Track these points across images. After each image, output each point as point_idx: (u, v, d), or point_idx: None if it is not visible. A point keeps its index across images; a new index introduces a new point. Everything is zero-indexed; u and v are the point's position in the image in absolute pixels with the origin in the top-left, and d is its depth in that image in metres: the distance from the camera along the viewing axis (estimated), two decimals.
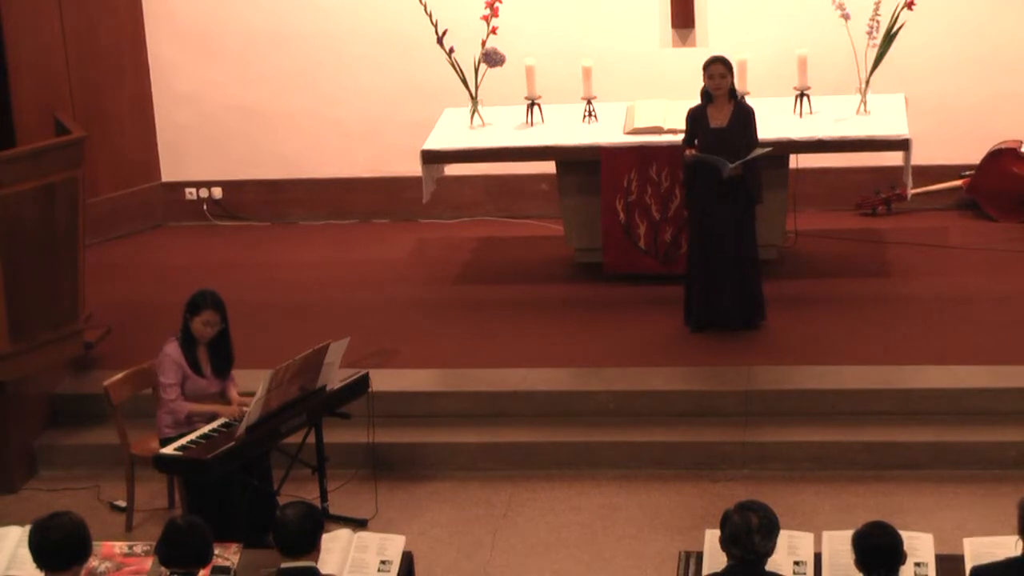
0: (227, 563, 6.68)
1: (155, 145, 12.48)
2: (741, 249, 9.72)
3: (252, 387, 8.25)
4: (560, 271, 11.11)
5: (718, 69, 9.59)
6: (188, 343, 8.32)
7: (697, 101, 9.79)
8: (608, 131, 10.74)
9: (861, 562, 5.89)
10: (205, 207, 12.55)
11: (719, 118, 9.65)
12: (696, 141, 9.71)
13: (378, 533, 7.08)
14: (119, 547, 6.85)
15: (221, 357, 8.41)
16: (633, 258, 10.70)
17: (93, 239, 11.30)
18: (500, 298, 10.73)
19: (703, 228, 9.73)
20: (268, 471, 8.44)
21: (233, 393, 8.50)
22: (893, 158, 10.76)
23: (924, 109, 11.40)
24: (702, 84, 9.68)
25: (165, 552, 6.04)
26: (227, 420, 8.24)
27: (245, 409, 8.15)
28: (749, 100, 9.92)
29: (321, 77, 12.24)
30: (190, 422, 8.27)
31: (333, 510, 8.66)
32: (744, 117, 9.66)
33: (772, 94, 10.93)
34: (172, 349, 8.31)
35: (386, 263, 11.53)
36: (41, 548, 5.86)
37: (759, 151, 9.60)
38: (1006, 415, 9.05)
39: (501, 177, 12.15)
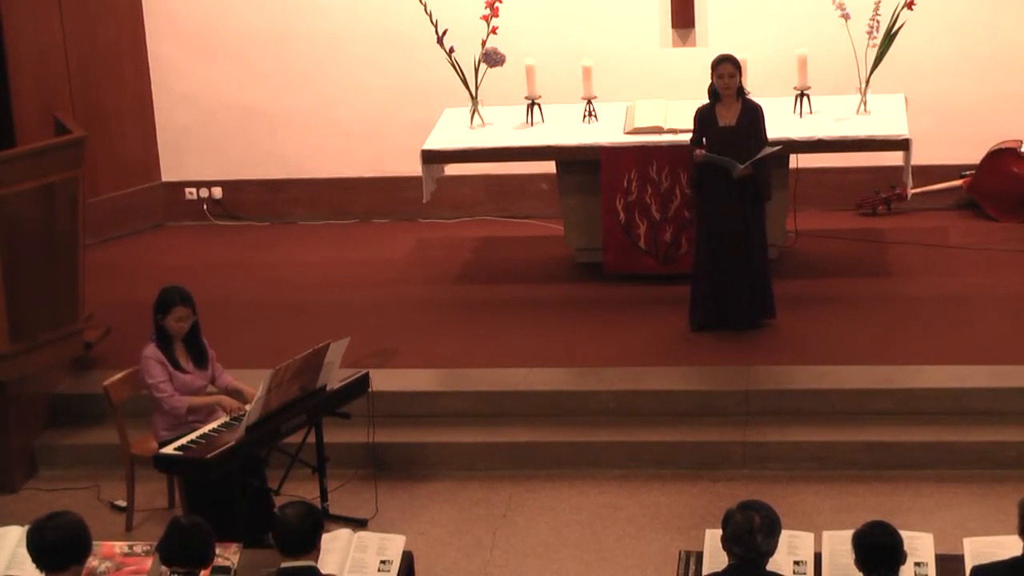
0: (227, 563, 6.68)
1: (155, 145, 12.48)
2: (749, 247, 9.72)
3: (252, 387, 8.26)
4: (560, 271, 11.10)
5: (727, 68, 9.59)
6: (164, 342, 8.34)
7: (697, 101, 9.80)
8: (608, 131, 10.75)
9: (861, 562, 5.89)
10: (205, 207, 12.55)
11: (728, 116, 9.66)
12: (704, 140, 9.71)
13: (378, 533, 7.08)
14: (119, 547, 6.85)
15: (197, 349, 8.44)
16: (633, 258, 10.70)
17: (93, 239, 11.30)
18: (500, 298, 10.73)
19: (711, 227, 9.73)
20: (263, 470, 8.42)
21: (228, 379, 8.52)
22: (893, 158, 10.76)
23: (924, 109, 11.40)
24: (709, 83, 9.68)
25: (167, 551, 6.04)
26: (229, 416, 8.23)
27: (247, 406, 8.16)
28: (753, 99, 9.93)
29: (321, 77, 12.24)
30: (188, 420, 8.27)
31: (333, 510, 8.66)
32: (752, 115, 9.67)
33: (772, 94, 10.92)
34: (151, 351, 8.33)
35: (386, 263, 11.53)
36: (39, 549, 5.86)
37: (769, 150, 9.61)
38: (1006, 415, 9.05)
39: (501, 177, 12.15)
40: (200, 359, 8.44)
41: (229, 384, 8.55)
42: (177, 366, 8.35)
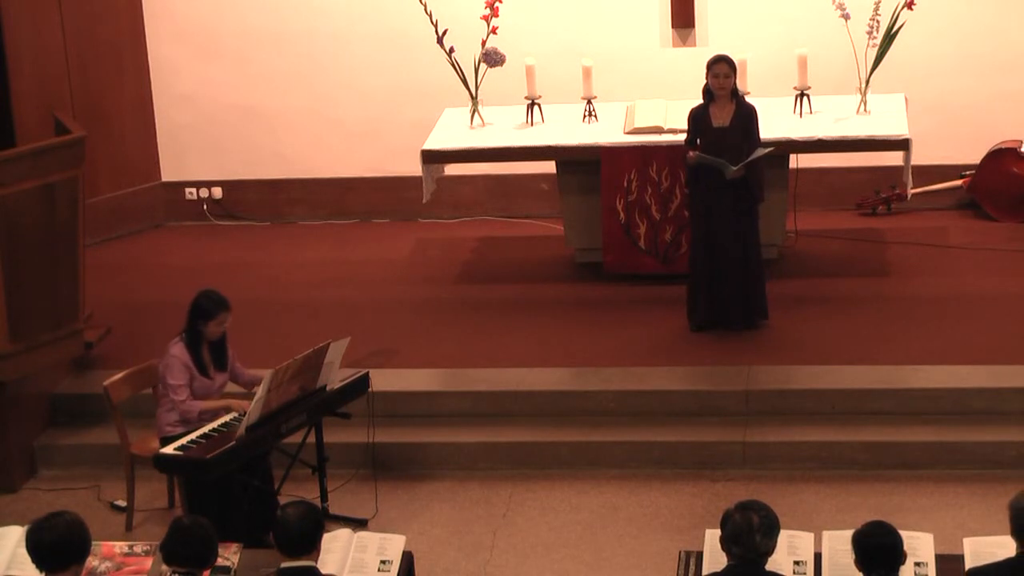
0: (227, 563, 6.68)
1: (155, 145, 12.48)
2: (744, 248, 9.73)
3: None
4: (560, 271, 11.10)
5: (722, 68, 9.59)
6: (195, 345, 8.34)
7: (697, 101, 9.80)
8: (608, 131, 10.74)
9: (861, 562, 5.89)
10: (205, 207, 12.55)
11: (721, 117, 9.66)
12: (698, 141, 9.71)
13: (378, 533, 7.08)
14: (119, 547, 6.86)
15: (221, 352, 8.46)
16: (633, 258, 10.70)
17: (93, 239, 11.30)
18: (500, 298, 10.73)
19: (706, 228, 9.73)
20: (268, 471, 8.45)
21: (250, 374, 8.54)
22: (893, 158, 10.76)
23: (924, 109, 11.40)
24: (704, 83, 9.68)
25: (169, 551, 6.04)
26: (238, 414, 8.24)
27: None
28: (749, 100, 9.93)
29: (321, 77, 12.24)
30: (200, 419, 8.29)
31: (333, 510, 8.66)
32: (746, 116, 9.67)
33: (772, 94, 10.93)
34: (179, 351, 8.31)
35: (386, 263, 11.53)
36: (36, 549, 5.85)
37: (762, 151, 9.61)
38: (1006, 415, 9.05)
39: (501, 177, 12.15)
40: (221, 361, 8.45)
41: (253, 378, 8.53)
42: (202, 368, 8.35)
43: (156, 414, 8.49)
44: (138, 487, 8.81)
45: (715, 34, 11.49)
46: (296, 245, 12.02)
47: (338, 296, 10.93)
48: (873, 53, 10.81)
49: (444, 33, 10.94)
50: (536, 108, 10.98)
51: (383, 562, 6.82)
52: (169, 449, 8.04)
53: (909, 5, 10.79)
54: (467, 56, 10.97)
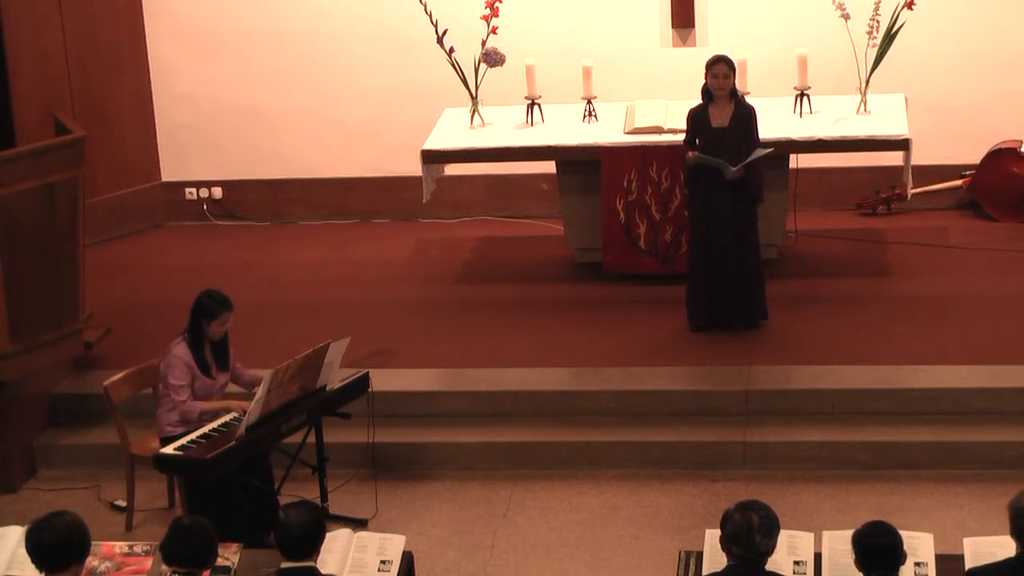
0: (227, 563, 6.68)
1: (155, 145, 12.48)
2: (743, 248, 9.73)
3: None
4: (560, 271, 11.10)
5: (722, 69, 9.59)
6: (197, 344, 8.33)
7: (697, 101, 9.80)
8: (608, 131, 10.74)
9: (861, 562, 5.90)
10: (205, 207, 12.55)
11: (720, 117, 9.66)
12: (697, 141, 9.71)
13: (378, 533, 7.08)
14: (119, 547, 6.86)
15: (223, 352, 8.46)
16: (633, 258, 10.70)
17: (93, 239, 11.30)
18: (500, 298, 10.73)
19: (705, 228, 9.73)
20: (268, 471, 8.45)
21: (250, 374, 8.54)
22: (893, 158, 10.76)
23: (924, 109, 11.40)
24: (703, 83, 9.68)
25: (169, 551, 6.04)
26: (238, 414, 8.23)
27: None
28: (749, 100, 9.93)
29: (321, 77, 12.24)
30: (200, 420, 8.29)
31: (333, 510, 8.66)
32: (745, 117, 9.67)
33: (772, 94, 10.93)
34: (182, 351, 8.31)
35: (386, 263, 11.53)
36: (36, 550, 5.85)
37: (761, 152, 9.61)
38: (1006, 415, 9.05)
39: (501, 177, 12.15)
40: (224, 361, 8.46)
41: (253, 378, 8.52)
42: (204, 368, 8.34)
43: (156, 414, 8.50)
44: (138, 487, 8.81)
45: (715, 34, 11.50)
46: (296, 245, 12.02)
47: (338, 296, 10.94)
48: (873, 53, 10.81)
49: (444, 33, 10.94)
50: (536, 108, 10.98)
51: (383, 562, 6.82)
52: (169, 449, 8.04)
53: (909, 5, 10.79)
54: (467, 56, 10.97)
